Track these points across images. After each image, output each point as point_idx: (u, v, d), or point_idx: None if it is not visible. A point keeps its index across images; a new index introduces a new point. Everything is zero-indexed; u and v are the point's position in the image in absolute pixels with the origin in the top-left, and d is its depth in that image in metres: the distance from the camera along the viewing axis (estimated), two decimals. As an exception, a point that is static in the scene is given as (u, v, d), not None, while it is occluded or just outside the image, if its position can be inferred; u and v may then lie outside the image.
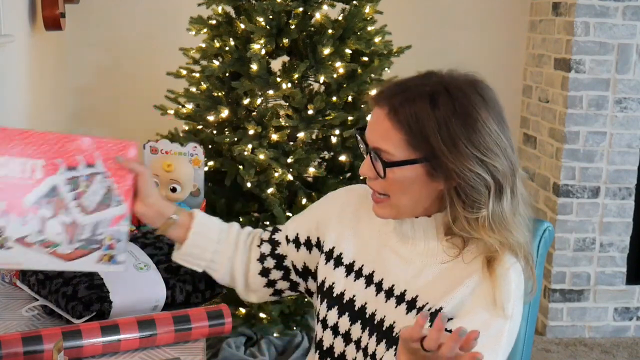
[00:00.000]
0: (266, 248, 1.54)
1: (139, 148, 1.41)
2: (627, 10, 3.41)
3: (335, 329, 1.42)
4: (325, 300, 1.44)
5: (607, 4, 3.39)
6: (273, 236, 1.55)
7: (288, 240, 1.53)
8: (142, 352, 1.40)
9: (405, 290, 1.34)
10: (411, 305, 1.32)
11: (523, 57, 3.93)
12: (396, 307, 1.34)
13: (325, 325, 1.43)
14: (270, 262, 1.54)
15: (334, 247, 1.46)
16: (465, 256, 1.31)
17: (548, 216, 3.61)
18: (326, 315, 1.43)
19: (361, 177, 1.38)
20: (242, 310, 2.88)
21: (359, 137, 1.35)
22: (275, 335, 2.95)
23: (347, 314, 1.41)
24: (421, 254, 1.35)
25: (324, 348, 1.44)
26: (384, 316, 1.35)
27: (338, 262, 1.45)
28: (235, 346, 2.90)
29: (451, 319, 1.25)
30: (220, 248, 1.53)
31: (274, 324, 2.93)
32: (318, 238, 1.50)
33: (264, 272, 1.54)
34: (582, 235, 3.56)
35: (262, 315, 2.88)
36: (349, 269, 1.43)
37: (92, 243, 1.37)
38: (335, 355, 1.42)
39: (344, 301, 1.41)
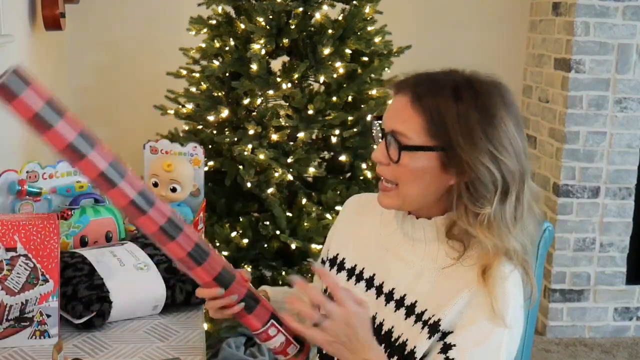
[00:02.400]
0: None
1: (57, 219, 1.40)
2: (627, 10, 3.41)
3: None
4: None
5: (607, 4, 3.39)
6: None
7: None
8: (142, 352, 1.41)
9: (405, 295, 1.33)
10: (410, 310, 1.32)
11: (523, 57, 3.93)
12: (395, 311, 1.33)
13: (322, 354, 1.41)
14: None
15: (337, 254, 1.47)
16: (464, 261, 1.30)
17: (548, 216, 3.61)
18: None
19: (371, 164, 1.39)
20: (242, 310, 2.88)
21: (376, 123, 1.35)
22: (275, 335, 2.95)
23: None
24: (421, 258, 1.35)
25: (324, 351, 1.43)
26: (383, 320, 1.35)
27: (340, 267, 1.45)
28: (235, 346, 2.90)
29: (451, 332, 1.25)
30: None
31: (274, 324, 2.93)
32: (327, 251, 1.51)
33: None
34: (582, 235, 3.56)
35: (262, 315, 2.88)
36: (350, 273, 1.43)
37: (22, 321, 1.39)
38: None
39: None
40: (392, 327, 1.33)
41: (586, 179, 3.52)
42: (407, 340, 1.30)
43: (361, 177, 2.85)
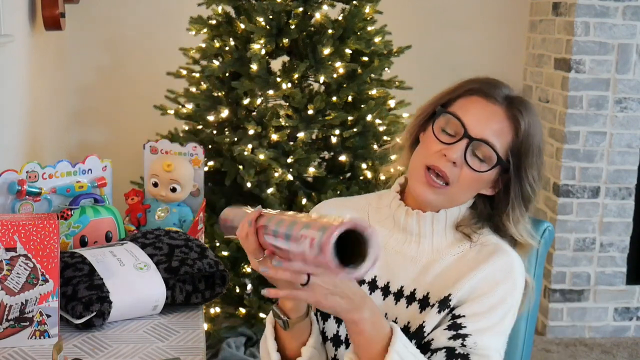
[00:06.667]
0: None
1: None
2: (627, 10, 3.41)
3: (348, 343, 1.38)
4: (333, 317, 1.40)
5: (607, 4, 3.39)
6: None
7: None
8: (142, 352, 1.41)
9: (415, 289, 1.34)
10: (424, 303, 1.32)
11: (523, 57, 3.93)
12: (407, 307, 1.34)
13: (338, 342, 1.39)
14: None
15: None
16: (472, 247, 1.35)
17: (548, 216, 3.61)
18: (338, 331, 1.39)
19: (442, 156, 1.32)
20: (242, 310, 2.88)
21: (453, 117, 1.31)
22: (275, 335, 2.95)
23: None
24: (427, 252, 1.36)
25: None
26: (396, 318, 1.35)
27: None
28: (235, 346, 2.90)
29: (459, 306, 1.29)
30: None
31: (274, 324, 2.92)
32: None
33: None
34: (582, 235, 3.56)
35: (262, 315, 2.88)
36: None
37: (22, 321, 1.39)
38: None
39: None
40: (408, 322, 1.33)
41: (586, 179, 3.52)
42: (424, 324, 1.31)
43: (361, 177, 2.84)
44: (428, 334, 1.29)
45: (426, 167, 1.31)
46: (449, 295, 1.29)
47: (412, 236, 1.37)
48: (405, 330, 1.33)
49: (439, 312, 1.29)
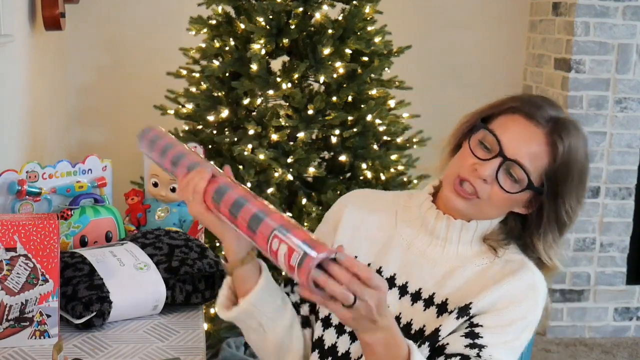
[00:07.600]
0: (305, 309, 1.44)
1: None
2: (627, 10, 3.41)
3: (340, 328, 1.38)
4: None
5: (607, 4, 3.39)
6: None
7: None
8: (142, 352, 1.41)
9: (434, 293, 1.34)
10: (442, 308, 1.32)
11: (523, 57, 3.93)
12: (425, 310, 1.34)
13: (327, 324, 1.39)
14: (305, 309, 1.44)
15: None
16: (496, 261, 1.35)
17: (548, 216, 3.62)
18: (330, 314, 1.39)
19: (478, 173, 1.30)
20: (242, 310, 2.88)
21: (490, 134, 1.30)
22: (275, 335, 2.94)
23: None
24: (451, 258, 1.36)
25: (325, 347, 1.39)
26: (411, 319, 1.34)
27: None
28: (235, 346, 2.90)
29: (478, 315, 1.28)
30: (279, 315, 1.38)
31: (274, 324, 2.92)
32: (332, 245, 1.43)
33: (305, 323, 1.44)
34: (582, 235, 3.56)
35: (262, 315, 2.88)
36: None
37: (22, 321, 1.39)
38: (339, 354, 1.38)
39: None
40: (424, 325, 1.33)
41: (586, 179, 3.52)
42: (440, 329, 1.31)
43: (361, 177, 2.85)
44: (443, 338, 1.29)
45: (459, 177, 1.31)
46: (470, 303, 1.29)
47: (438, 240, 1.36)
48: (420, 333, 1.33)
49: (457, 318, 1.30)
